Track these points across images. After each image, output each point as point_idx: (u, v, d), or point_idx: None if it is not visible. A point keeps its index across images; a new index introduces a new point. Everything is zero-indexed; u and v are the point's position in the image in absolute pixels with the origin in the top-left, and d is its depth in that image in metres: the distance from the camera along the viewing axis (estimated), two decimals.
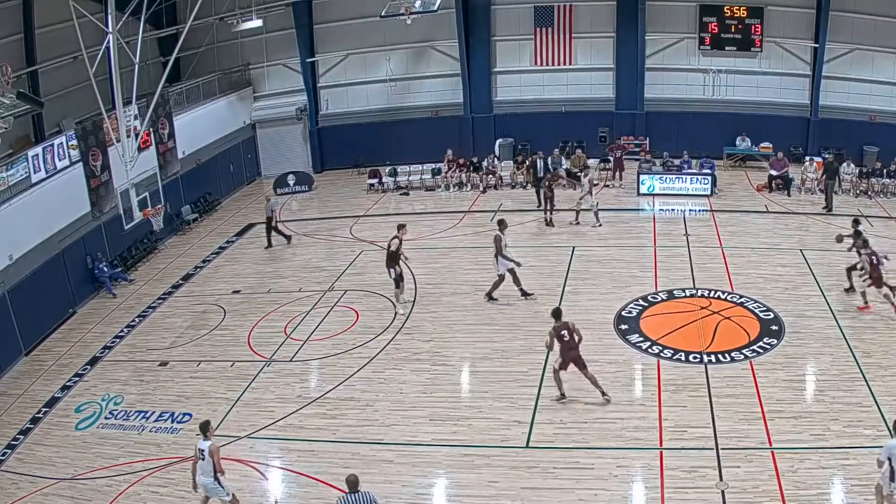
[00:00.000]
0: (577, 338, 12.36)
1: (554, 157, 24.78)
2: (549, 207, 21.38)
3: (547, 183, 21.65)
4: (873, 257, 14.75)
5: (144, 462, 12.09)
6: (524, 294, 16.53)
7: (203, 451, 10.08)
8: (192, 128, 23.84)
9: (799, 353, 13.84)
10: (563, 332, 12.35)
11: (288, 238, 21.52)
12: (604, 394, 12.57)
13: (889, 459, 9.26)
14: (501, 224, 16.60)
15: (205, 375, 14.80)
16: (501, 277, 16.43)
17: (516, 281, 16.46)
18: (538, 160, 23.61)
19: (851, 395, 12.33)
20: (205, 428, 10.25)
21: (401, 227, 16.71)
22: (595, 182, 22.55)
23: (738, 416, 11.96)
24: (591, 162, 24.72)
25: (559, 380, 12.63)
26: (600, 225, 20.67)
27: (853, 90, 24.41)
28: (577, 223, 20.96)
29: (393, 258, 16.38)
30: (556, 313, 12.64)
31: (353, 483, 9.07)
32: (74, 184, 17.54)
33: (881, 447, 9.38)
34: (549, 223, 21.27)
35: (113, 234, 19.65)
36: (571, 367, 12.44)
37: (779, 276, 17.07)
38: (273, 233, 21.35)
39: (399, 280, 16.59)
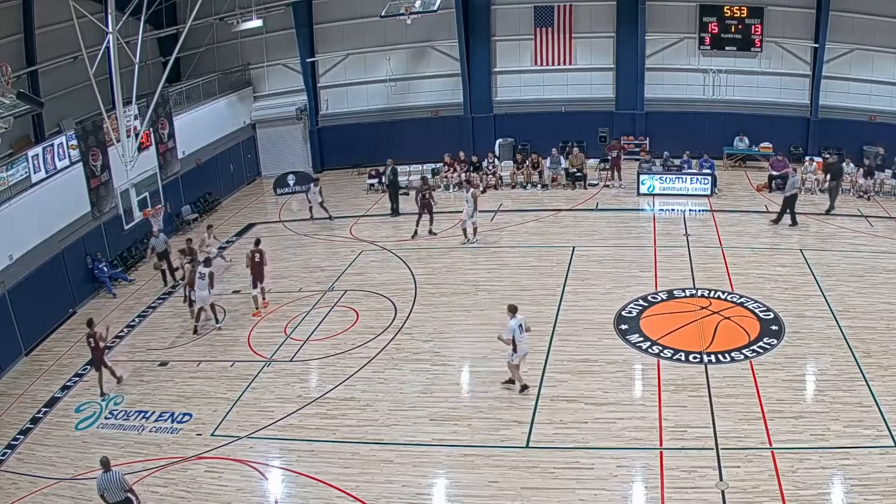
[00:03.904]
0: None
1: (552, 156, 24.81)
2: (429, 217, 20.95)
3: (423, 194, 21.01)
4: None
5: (144, 462, 12.09)
6: (196, 331, 16.59)
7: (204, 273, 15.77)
8: (192, 128, 23.83)
9: (799, 353, 13.84)
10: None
11: (171, 277, 19.80)
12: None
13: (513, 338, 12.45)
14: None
15: (205, 375, 14.81)
16: (212, 306, 16.73)
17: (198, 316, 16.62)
18: (390, 167, 23.36)
19: (851, 395, 12.33)
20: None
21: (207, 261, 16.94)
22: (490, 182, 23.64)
23: (738, 416, 11.96)
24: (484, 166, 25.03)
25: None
26: (477, 240, 20.06)
27: (853, 90, 24.40)
28: (476, 239, 20.28)
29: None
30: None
31: (105, 463, 10.24)
32: (74, 184, 17.55)
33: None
34: (431, 233, 20.98)
35: (113, 234, 19.65)
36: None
37: (779, 276, 17.06)
38: (168, 266, 19.59)
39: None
